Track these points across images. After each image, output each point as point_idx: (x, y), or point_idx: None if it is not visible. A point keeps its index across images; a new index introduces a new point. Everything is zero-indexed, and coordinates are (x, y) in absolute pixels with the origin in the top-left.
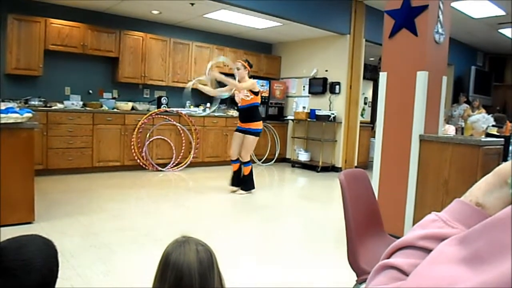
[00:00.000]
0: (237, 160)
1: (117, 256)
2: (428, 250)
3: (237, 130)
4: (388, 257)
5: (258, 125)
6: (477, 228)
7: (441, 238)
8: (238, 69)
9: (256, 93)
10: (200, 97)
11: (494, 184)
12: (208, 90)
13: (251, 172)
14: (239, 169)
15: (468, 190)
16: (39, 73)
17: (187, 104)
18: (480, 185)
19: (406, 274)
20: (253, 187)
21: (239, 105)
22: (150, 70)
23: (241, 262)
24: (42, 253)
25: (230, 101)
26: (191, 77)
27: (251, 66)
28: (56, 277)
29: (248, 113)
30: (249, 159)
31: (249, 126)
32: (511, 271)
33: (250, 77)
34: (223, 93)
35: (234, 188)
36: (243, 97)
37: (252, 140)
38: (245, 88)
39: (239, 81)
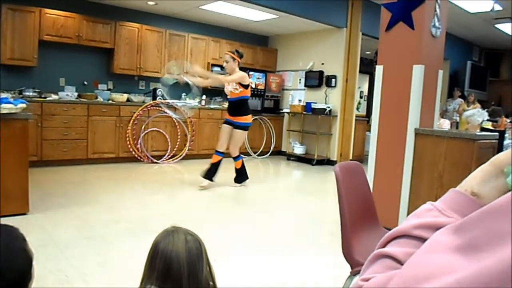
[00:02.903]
0: (223, 153)
1: (112, 247)
2: (423, 239)
3: (225, 122)
4: (383, 246)
5: (247, 119)
6: (472, 217)
7: (436, 227)
8: (226, 62)
9: (245, 86)
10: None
11: (490, 173)
12: (199, 81)
13: (243, 165)
14: (218, 162)
15: (464, 180)
16: (33, 63)
17: (183, 96)
18: (476, 174)
19: (401, 263)
20: (247, 178)
21: (228, 97)
22: (146, 61)
23: (234, 254)
24: None
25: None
26: (186, 69)
27: (241, 57)
28: (29, 268)
29: (236, 106)
30: (238, 154)
31: (238, 120)
32: (506, 259)
33: (242, 69)
34: (215, 84)
35: (205, 183)
36: (231, 90)
37: (240, 134)
38: (231, 81)
39: (229, 74)
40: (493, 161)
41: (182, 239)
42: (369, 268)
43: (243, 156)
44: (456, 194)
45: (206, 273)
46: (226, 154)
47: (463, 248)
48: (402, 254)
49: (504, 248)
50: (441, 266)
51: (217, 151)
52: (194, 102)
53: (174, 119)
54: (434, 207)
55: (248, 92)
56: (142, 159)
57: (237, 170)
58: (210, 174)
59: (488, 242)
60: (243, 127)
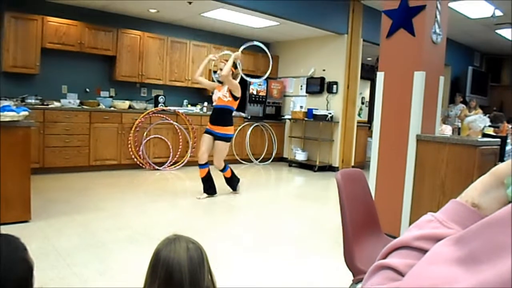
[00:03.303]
0: (206, 164)
1: (114, 255)
2: (424, 251)
3: (206, 132)
4: (384, 258)
5: (229, 130)
6: (472, 229)
7: (437, 239)
8: (221, 69)
9: (235, 98)
10: (197, 96)
11: (491, 184)
12: (226, 68)
13: (232, 173)
14: (208, 174)
15: (464, 190)
16: (36, 71)
17: (184, 103)
18: (476, 185)
19: (402, 274)
20: (238, 180)
21: (214, 103)
22: (148, 68)
23: (235, 261)
24: None
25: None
26: (188, 76)
27: (235, 67)
28: (30, 277)
29: (220, 115)
30: (223, 165)
31: (220, 131)
32: (507, 271)
33: (242, 78)
34: (226, 69)
35: (205, 195)
36: (220, 96)
37: (222, 145)
38: (231, 83)
39: (220, 82)
40: (493, 171)
41: (183, 247)
42: (370, 279)
43: (230, 165)
44: (456, 205)
45: (208, 281)
46: (210, 162)
47: (463, 260)
48: (403, 266)
49: (504, 261)
50: (442, 278)
51: (200, 165)
52: None
53: (176, 126)
54: (435, 218)
55: (235, 105)
56: (144, 166)
57: (227, 179)
58: (208, 189)
59: (488, 254)
60: (225, 138)
